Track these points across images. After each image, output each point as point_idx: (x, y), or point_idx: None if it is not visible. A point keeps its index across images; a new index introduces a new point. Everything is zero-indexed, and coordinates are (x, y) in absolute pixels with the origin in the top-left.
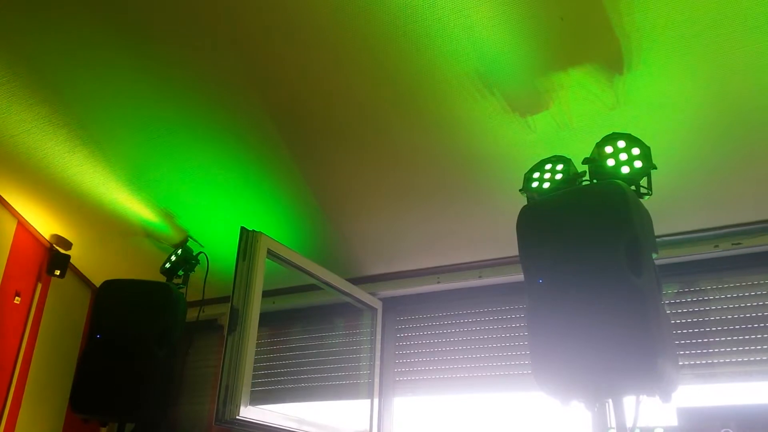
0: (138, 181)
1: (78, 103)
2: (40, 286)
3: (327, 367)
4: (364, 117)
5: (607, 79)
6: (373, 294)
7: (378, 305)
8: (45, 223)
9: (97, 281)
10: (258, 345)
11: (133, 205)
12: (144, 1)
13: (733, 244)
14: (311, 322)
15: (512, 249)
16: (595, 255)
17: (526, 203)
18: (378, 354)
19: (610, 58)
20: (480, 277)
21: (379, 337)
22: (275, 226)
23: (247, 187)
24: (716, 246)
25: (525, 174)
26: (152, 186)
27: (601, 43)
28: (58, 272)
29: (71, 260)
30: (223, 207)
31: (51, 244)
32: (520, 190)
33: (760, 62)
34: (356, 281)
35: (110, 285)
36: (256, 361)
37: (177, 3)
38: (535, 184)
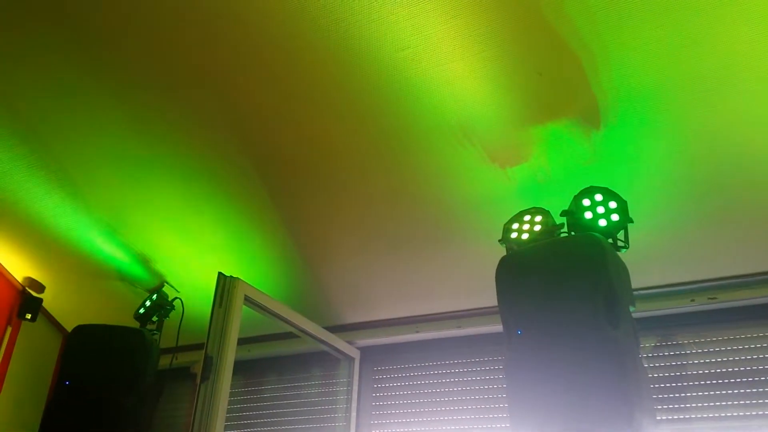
0: (115, 224)
1: (57, 146)
2: (9, 329)
3: (302, 418)
4: (345, 164)
5: (585, 133)
6: (350, 343)
7: (356, 354)
8: (18, 266)
9: (69, 326)
10: (232, 394)
11: (109, 249)
12: (125, 46)
13: (708, 299)
14: (287, 371)
15: (491, 299)
16: (573, 307)
17: (504, 254)
18: (354, 404)
19: (587, 113)
20: (459, 327)
21: (356, 387)
22: (253, 272)
23: (226, 232)
24: (692, 300)
25: (504, 224)
26: (129, 229)
27: (578, 98)
28: (29, 316)
29: (43, 304)
30: (201, 252)
31: (23, 287)
32: (499, 241)
33: (736, 122)
34: (334, 329)
35: (82, 330)
36: (229, 411)
37: (157, 48)
38: (513, 235)
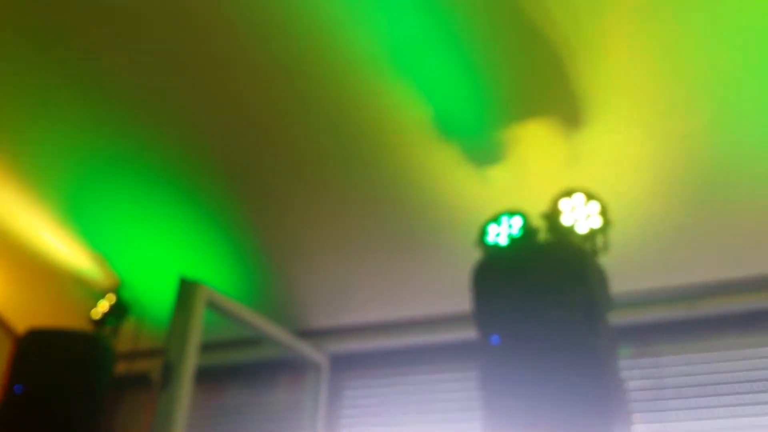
0: (70, 221)
1: (8, 138)
2: None
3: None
4: (316, 162)
5: (564, 134)
6: (319, 349)
7: (323, 361)
8: None
9: (21, 328)
10: (192, 403)
11: (63, 248)
12: (85, 36)
13: (688, 307)
14: (252, 380)
15: (467, 304)
16: (550, 313)
17: (481, 257)
18: (321, 416)
19: (567, 114)
20: (435, 333)
21: (323, 397)
22: (217, 273)
23: (189, 231)
24: (672, 307)
25: (481, 227)
26: (85, 227)
27: (559, 97)
28: None
29: None
30: (161, 251)
31: None
32: (475, 244)
33: (720, 122)
34: (304, 334)
35: (33, 334)
36: (189, 419)
37: (118, 40)
38: (491, 238)
